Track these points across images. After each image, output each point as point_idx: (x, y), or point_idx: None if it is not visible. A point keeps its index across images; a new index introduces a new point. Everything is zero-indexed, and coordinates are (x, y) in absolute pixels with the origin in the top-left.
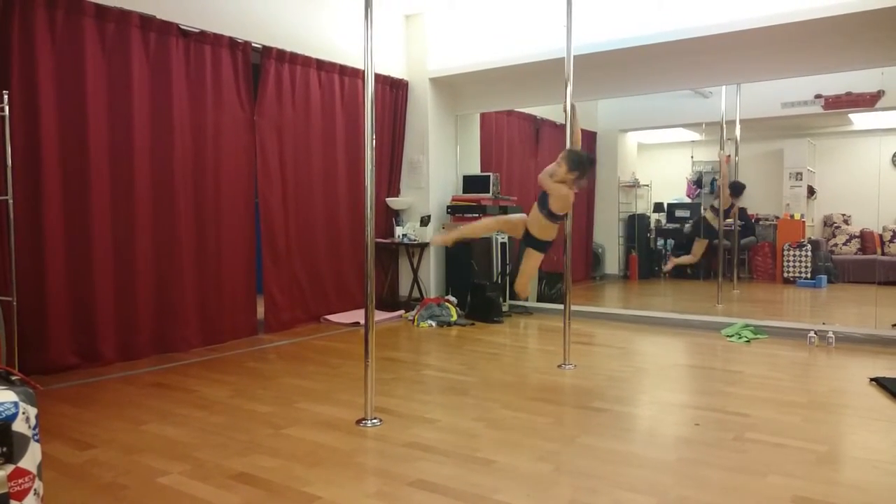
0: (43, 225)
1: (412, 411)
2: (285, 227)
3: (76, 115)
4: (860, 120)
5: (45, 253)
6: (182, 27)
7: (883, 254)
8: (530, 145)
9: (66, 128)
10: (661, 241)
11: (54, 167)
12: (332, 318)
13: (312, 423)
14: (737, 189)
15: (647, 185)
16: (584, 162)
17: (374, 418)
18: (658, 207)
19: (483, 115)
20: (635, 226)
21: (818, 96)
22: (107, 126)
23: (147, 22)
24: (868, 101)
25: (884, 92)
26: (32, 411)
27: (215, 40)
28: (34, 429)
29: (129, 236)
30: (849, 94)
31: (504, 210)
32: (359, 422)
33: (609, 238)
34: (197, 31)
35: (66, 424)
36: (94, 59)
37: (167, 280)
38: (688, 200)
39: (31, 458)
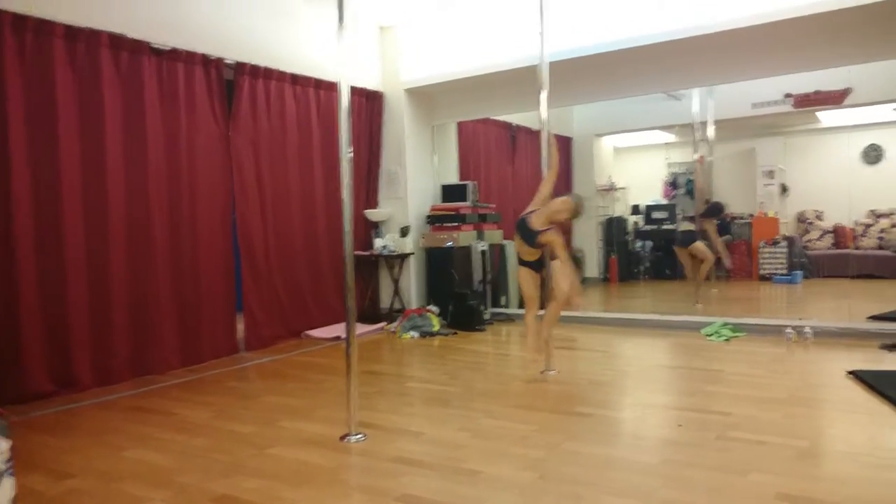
0: (14, 247)
1: (396, 424)
2: (264, 242)
3: (47, 136)
4: (829, 117)
5: (16, 276)
6: (153, 45)
7: (856, 248)
8: (507, 152)
9: (37, 148)
10: (639, 243)
11: (25, 188)
12: (314, 333)
13: (295, 441)
14: (715, 210)
15: (624, 188)
16: (583, 209)
17: (358, 433)
18: (635, 210)
19: (459, 124)
20: (613, 229)
21: (788, 95)
22: (79, 146)
23: (117, 41)
24: (836, 98)
25: (851, 89)
26: (5, 444)
27: (188, 57)
28: (7, 462)
29: (103, 257)
30: (817, 92)
31: (483, 218)
32: (342, 437)
33: (588, 242)
34: (169, 48)
35: (43, 454)
36: (64, 80)
37: (144, 301)
38: (664, 202)
39: (4, 494)
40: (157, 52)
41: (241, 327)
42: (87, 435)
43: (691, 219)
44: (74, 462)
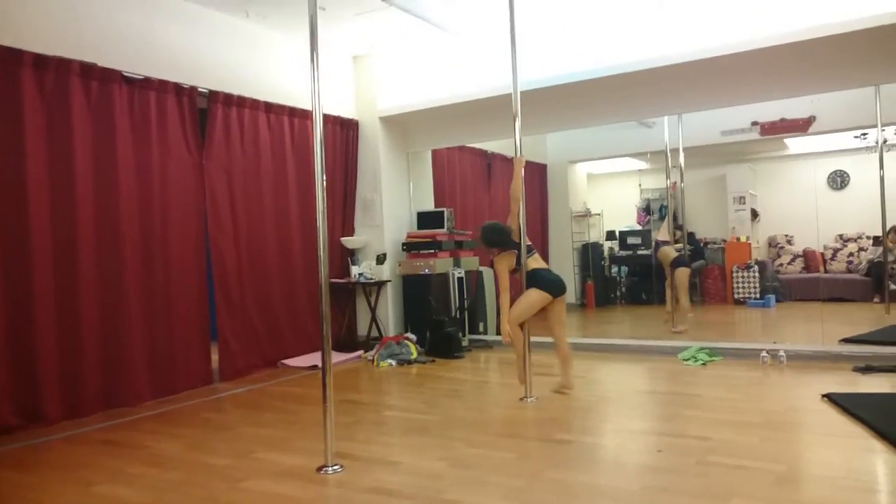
0: None
1: (374, 455)
2: (238, 271)
3: (14, 166)
4: (795, 144)
5: None
6: (125, 74)
7: (826, 271)
8: (482, 179)
9: (4, 178)
10: (615, 269)
11: None
12: (290, 362)
13: (271, 473)
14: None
15: (599, 214)
16: (488, 237)
17: (335, 464)
18: (610, 235)
19: (435, 152)
20: (589, 254)
21: (755, 123)
22: (47, 175)
23: (88, 70)
24: (801, 126)
25: (815, 117)
26: None
27: (160, 86)
28: None
29: (72, 287)
30: (783, 120)
31: (459, 245)
32: (319, 469)
33: (564, 267)
34: (141, 77)
35: (9, 491)
36: (33, 109)
37: (115, 331)
38: (639, 227)
39: None
40: (129, 81)
41: (215, 357)
42: (55, 470)
43: (665, 242)
44: (41, 499)
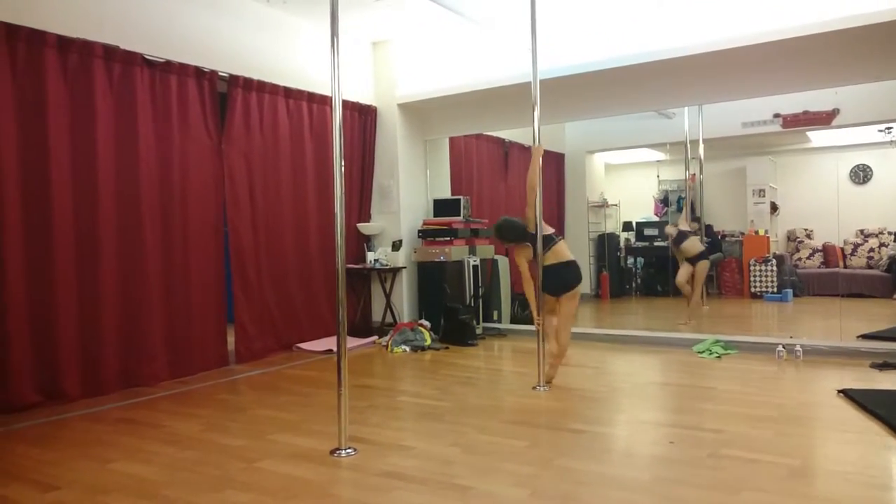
0: (3, 258)
1: (387, 439)
2: (255, 255)
3: (37, 147)
4: (818, 137)
5: (4, 286)
6: (147, 57)
7: (845, 267)
8: (499, 168)
9: (27, 160)
10: (631, 260)
11: (15, 199)
12: (305, 346)
13: (285, 455)
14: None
15: (616, 205)
16: (502, 233)
17: (349, 448)
18: (627, 226)
19: (452, 139)
20: (605, 245)
21: (777, 115)
22: (69, 157)
23: (111, 52)
24: (824, 118)
25: (839, 110)
26: None
27: (181, 70)
28: None
29: (93, 268)
30: (806, 112)
31: (475, 233)
32: (333, 452)
33: (580, 257)
34: (162, 60)
35: (28, 466)
36: (56, 91)
37: (134, 312)
38: (656, 219)
39: None
40: (151, 64)
41: (231, 339)
42: (74, 446)
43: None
44: (60, 474)
